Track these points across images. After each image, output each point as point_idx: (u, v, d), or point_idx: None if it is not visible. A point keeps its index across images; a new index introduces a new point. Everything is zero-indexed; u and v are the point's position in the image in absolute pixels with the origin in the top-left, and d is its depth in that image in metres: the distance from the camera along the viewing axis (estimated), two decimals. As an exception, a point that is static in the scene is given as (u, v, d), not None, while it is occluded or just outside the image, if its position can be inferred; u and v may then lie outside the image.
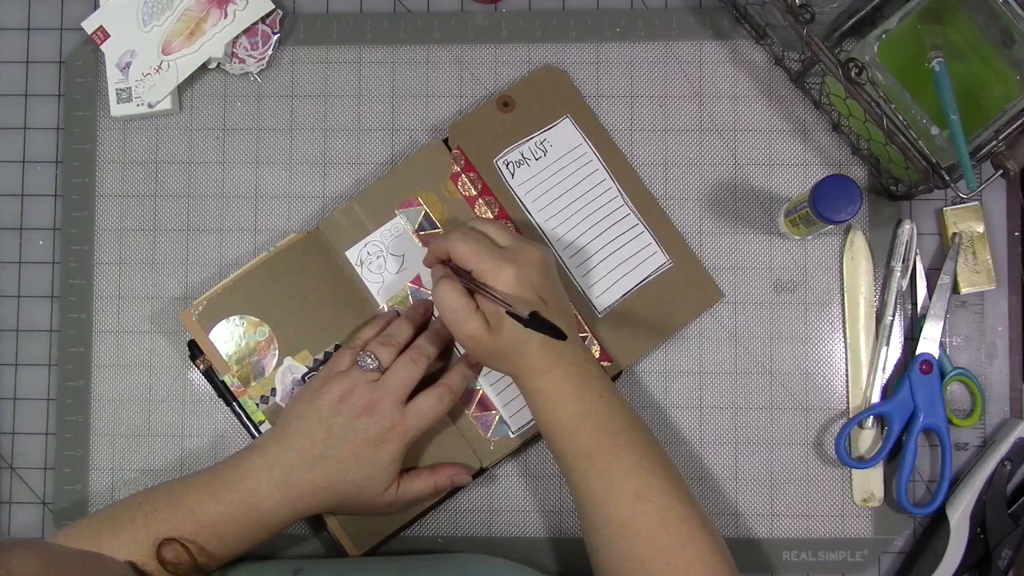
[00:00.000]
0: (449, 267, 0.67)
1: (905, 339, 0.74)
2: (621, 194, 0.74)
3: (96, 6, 0.77)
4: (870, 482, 0.73)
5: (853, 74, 0.64)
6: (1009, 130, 0.65)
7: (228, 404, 0.72)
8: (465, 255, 0.64)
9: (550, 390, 0.64)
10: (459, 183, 0.74)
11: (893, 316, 0.73)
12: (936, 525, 0.72)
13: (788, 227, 0.73)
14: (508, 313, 0.61)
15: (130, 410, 0.75)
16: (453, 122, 0.75)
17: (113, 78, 0.76)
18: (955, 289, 0.74)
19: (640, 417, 0.67)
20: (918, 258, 0.74)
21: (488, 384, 0.72)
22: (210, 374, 0.72)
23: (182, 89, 0.77)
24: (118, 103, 0.76)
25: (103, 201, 0.77)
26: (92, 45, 0.76)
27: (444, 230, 0.73)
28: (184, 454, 0.75)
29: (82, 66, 0.77)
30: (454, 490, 0.72)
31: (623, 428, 0.64)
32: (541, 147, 0.75)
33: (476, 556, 0.71)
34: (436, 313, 0.72)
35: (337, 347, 0.72)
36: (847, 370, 0.74)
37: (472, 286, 0.64)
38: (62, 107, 0.77)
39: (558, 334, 0.60)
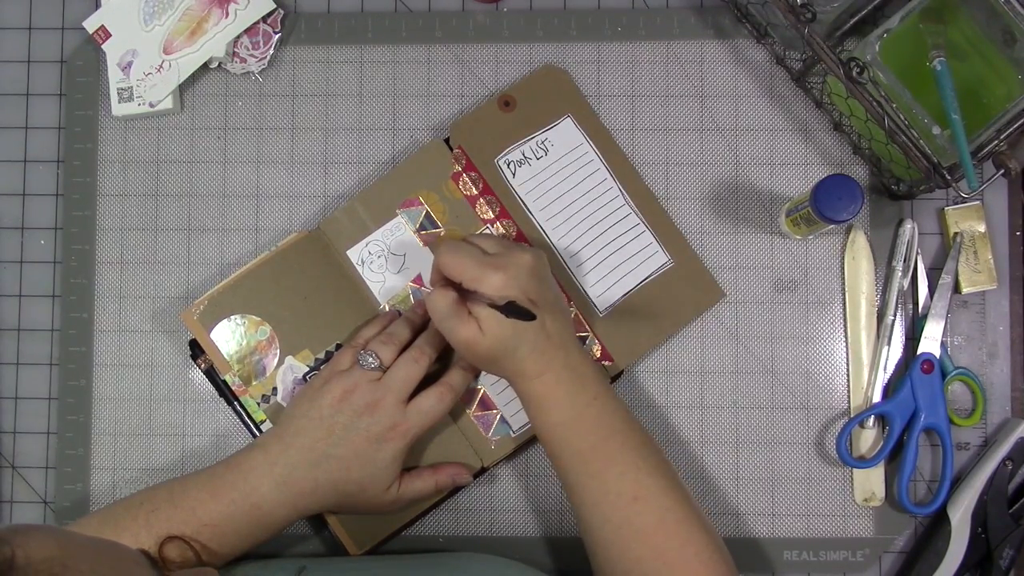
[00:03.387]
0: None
1: (906, 339, 0.74)
2: (622, 193, 0.74)
3: (97, 5, 0.77)
4: (871, 482, 0.73)
5: (854, 73, 0.64)
6: (1011, 129, 0.65)
7: (229, 403, 0.72)
8: (451, 266, 0.64)
9: (542, 394, 0.65)
10: (460, 182, 0.74)
11: (894, 316, 0.73)
12: (937, 525, 0.72)
13: (789, 227, 0.73)
14: (490, 305, 0.61)
15: (131, 409, 0.75)
16: (454, 121, 0.75)
17: (114, 77, 0.76)
18: (956, 289, 0.74)
19: (637, 419, 0.67)
20: (919, 258, 0.74)
21: (489, 383, 0.72)
22: (211, 373, 0.72)
23: (183, 88, 0.77)
24: (119, 102, 0.76)
25: (104, 200, 0.77)
26: (93, 44, 0.76)
27: (445, 230, 0.73)
28: (185, 453, 0.75)
29: (83, 65, 0.77)
30: (455, 489, 0.72)
31: (619, 430, 0.64)
32: (542, 146, 0.75)
33: (477, 555, 0.71)
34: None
35: (338, 346, 0.72)
36: (848, 370, 0.74)
37: (462, 292, 0.65)
38: (63, 106, 0.77)
39: (528, 316, 0.60)
